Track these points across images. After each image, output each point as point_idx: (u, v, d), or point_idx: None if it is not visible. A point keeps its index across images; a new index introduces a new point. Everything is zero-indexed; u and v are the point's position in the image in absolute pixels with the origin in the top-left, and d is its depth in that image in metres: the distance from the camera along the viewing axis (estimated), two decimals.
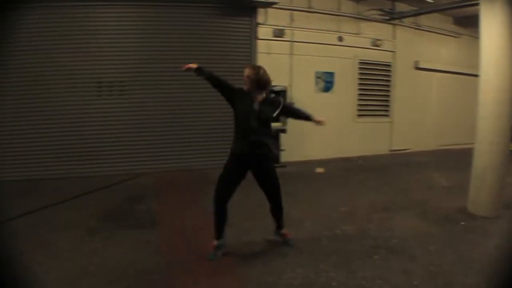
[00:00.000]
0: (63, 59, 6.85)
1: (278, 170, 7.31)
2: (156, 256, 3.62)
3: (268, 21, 7.68)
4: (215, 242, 3.57)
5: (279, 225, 3.88)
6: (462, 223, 4.62)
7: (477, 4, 5.02)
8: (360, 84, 8.74)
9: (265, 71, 3.54)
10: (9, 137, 6.83)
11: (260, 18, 7.62)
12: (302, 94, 7.90)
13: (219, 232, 3.57)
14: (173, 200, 5.55)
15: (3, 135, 6.85)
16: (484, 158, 4.83)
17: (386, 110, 9.21)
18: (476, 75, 4.97)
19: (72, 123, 6.91)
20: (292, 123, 7.60)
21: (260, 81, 3.48)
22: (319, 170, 7.39)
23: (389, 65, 9.10)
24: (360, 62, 8.68)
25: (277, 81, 7.58)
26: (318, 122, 3.76)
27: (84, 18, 6.88)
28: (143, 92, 7.09)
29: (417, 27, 9.38)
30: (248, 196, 5.46)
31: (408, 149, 9.50)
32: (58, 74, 6.86)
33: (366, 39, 8.71)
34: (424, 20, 9.36)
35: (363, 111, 8.86)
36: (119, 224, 4.52)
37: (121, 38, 6.97)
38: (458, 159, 8.70)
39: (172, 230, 4.34)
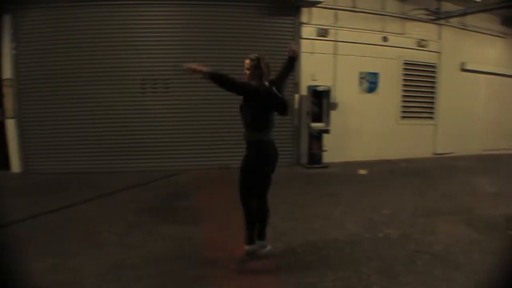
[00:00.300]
0: (109, 57, 7.08)
1: (319, 170, 7.36)
2: (195, 252, 3.61)
3: (312, 20, 7.67)
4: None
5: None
6: (510, 231, 4.41)
7: None
8: (404, 85, 8.56)
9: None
10: (56, 132, 7.14)
11: (304, 18, 7.62)
12: (345, 95, 7.85)
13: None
14: (214, 197, 5.57)
15: (51, 130, 7.15)
16: None
17: (431, 112, 8.97)
18: None
19: (116, 119, 7.14)
20: (335, 124, 7.59)
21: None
22: (362, 171, 7.27)
23: (434, 66, 8.86)
24: (405, 63, 8.50)
25: (321, 81, 7.60)
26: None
27: (130, 16, 7.10)
28: (186, 90, 7.20)
29: (464, 27, 9.10)
30: (290, 197, 5.56)
31: (452, 153, 9.21)
32: (103, 71, 7.10)
33: (411, 39, 8.53)
34: (470, 20, 9.07)
35: (407, 112, 8.66)
36: (160, 220, 4.57)
37: (166, 36, 7.13)
38: (503, 165, 8.43)
39: (213, 227, 4.34)
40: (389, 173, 7.39)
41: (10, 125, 7.26)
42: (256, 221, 3.42)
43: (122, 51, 7.08)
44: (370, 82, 8.20)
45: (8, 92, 7.20)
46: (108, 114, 7.14)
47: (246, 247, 3.43)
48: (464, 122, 9.31)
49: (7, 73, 7.20)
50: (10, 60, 7.18)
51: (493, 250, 3.84)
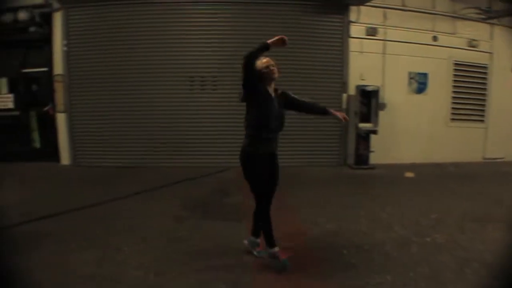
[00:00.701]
0: (158, 54, 7.18)
1: (366, 171, 7.21)
2: (242, 250, 3.55)
3: (360, 19, 7.53)
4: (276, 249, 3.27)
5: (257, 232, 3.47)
6: None
7: None
8: (454, 86, 8.27)
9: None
10: (104, 127, 7.31)
11: (352, 16, 7.50)
12: (394, 95, 7.67)
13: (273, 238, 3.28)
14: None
15: (99, 124, 7.30)
16: None
17: (481, 115, 8.63)
18: None
19: (164, 115, 7.22)
20: (383, 125, 7.40)
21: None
22: (409, 174, 7.05)
23: (486, 67, 8.52)
24: (455, 63, 8.22)
25: (370, 80, 7.44)
26: (339, 117, 3.38)
27: (179, 14, 7.18)
28: (234, 87, 7.15)
29: None
30: (336, 197, 5.44)
31: (503, 158, 8.83)
32: (152, 68, 7.21)
33: (461, 39, 8.24)
34: None
35: (457, 115, 8.36)
36: (207, 215, 4.58)
37: (213, 34, 7.17)
38: None
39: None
40: (437, 176, 7.14)
41: (61, 119, 7.45)
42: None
43: (171, 49, 7.17)
44: (419, 83, 7.97)
45: (59, 87, 7.39)
46: (156, 110, 7.22)
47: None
48: None
49: (59, 69, 7.39)
50: (61, 56, 7.37)
51: None
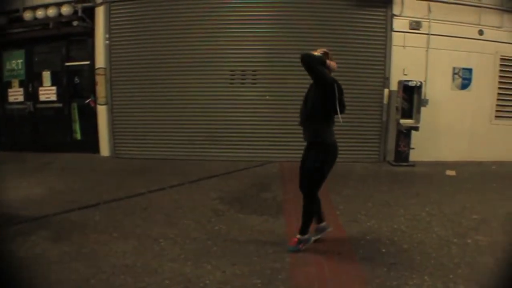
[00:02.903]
0: (198, 47, 7.21)
1: (406, 169, 7.06)
2: (281, 245, 3.56)
3: (404, 12, 7.32)
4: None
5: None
6: None
7: None
8: (501, 82, 7.94)
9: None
10: (144, 119, 7.43)
11: (396, 10, 7.30)
12: (437, 90, 7.46)
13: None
14: (299, 190, 5.51)
15: (139, 117, 7.41)
16: None
17: None
18: None
19: (203, 108, 7.26)
20: (425, 121, 7.22)
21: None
22: (450, 172, 6.86)
23: None
24: (502, 59, 7.88)
25: (412, 75, 7.27)
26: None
27: (220, 8, 7.14)
28: (274, 82, 7.19)
29: None
30: (376, 194, 5.36)
31: None
32: (192, 62, 7.25)
33: (509, 33, 7.89)
34: None
35: (502, 112, 8.04)
36: (245, 209, 4.59)
37: (254, 28, 7.11)
38: None
39: (298, 219, 4.22)
40: (479, 175, 6.91)
41: (101, 112, 7.59)
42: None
43: (212, 42, 7.17)
44: (464, 78, 7.71)
45: (100, 81, 7.52)
46: (196, 103, 7.27)
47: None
48: None
49: (100, 63, 7.52)
50: (103, 50, 7.49)
51: None
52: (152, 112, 7.36)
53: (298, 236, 3.46)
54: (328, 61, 3.34)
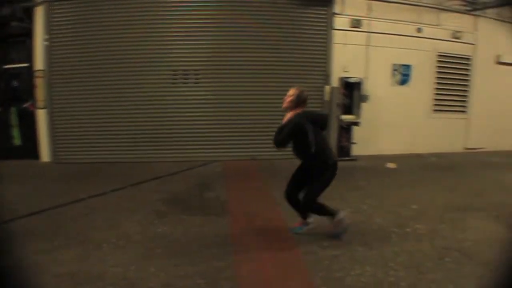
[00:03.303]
0: (139, 48, 7.06)
1: (348, 163, 7.29)
2: (224, 243, 3.61)
3: (345, 11, 7.50)
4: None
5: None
6: None
7: None
8: (438, 78, 8.33)
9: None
10: (85, 123, 7.19)
11: (337, 8, 7.45)
12: (377, 86, 7.71)
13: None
14: (242, 188, 5.57)
15: (80, 120, 7.20)
16: None
17: (463, 106, 8.73)
18: None
19: (146, 110, 7.13)
20: (365, 117, 7.44)
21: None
22: (391, 165, 7.15)
23: (469, 58, 8.59)
24: (439, 55, 8.26)
25: (353, 72, 7.47)
26: None
27: (161, 7, 7.03)
28: (217, 81, 7.17)
29: (501, 19, 8.74)
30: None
31: (485, 148, 8.97)
32: (133, 62, 7.09)
33: (445, 30, 8.26)
34: (508, 11, 8.72)
35: (439, 106, 8.44)
36: (188, 210, 4.57)
37: (196, 28, 7.05)
38: None
39: (241, 218, 4.33)
40: (418, 167, 7.24)
41: (41, 116, 7.34)
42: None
43: (154, 42, 7.05)
44: (403, 75, 8.00)
45: (39, 83, 7.26)
46: (138, 104, 7.15)
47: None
48: (499, 116, 9.00)
49: (39, 65, 7.25)
50: (42, 51, 7.22)
51: None
52: (93, 114, 7.17)
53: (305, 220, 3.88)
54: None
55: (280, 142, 3.57)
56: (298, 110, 3.58)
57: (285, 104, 3.62)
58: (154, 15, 7.03)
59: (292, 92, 3.61)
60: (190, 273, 3.05)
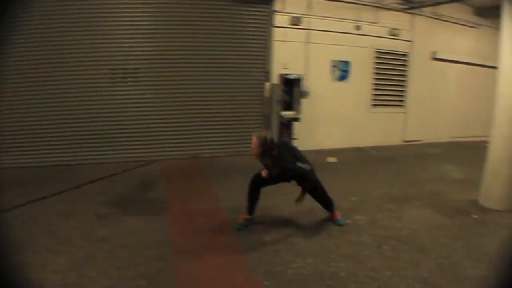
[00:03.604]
0: (76, 45, 6.83)
1: None
2: (165, 243, 3.64)
3: (285, 8, 7.62)
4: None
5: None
6: (474, 216, 4.63)
7: None
8: (376, 73, 8.68)
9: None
10: (23, 125, 6.87)
11: (277, 6, 7.56)
12: (317, 83, 7.93)
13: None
14: (183, 187, 5.61)
15: (18, 123, 6.88)
16: (500, 151, 4.78)
17: (401, 101, 9.15)
18: (495, 67, 4.91)
19: (86, 110, 6.92)
20: (306, 112, 7.70)
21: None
22: (331, 159, 7.42)
23: (406, 55, 8.99)
24: (377, 52, 8.60)
25: (293, 69, 7.67)
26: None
27: (98, 4, 6.88)
28: (157, 79, 7.09)
29: (436, 17, 9.19)
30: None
31: (422, 140, 9.47)
32: (71, 61, 6.83)
33: (384, 28, 8.60)
34: (443, 9, 9.17)
35: (378, 101, 8.81)
36: (129, 211, 4.55)
37: (136, 25, 6.95)
38: (471, 152, 8.64)
39: (182, 216, 4.38)
40: (358, 160, 7.56)
41: None
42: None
43: (91, 40, 6.84)
44: (342, 71, 8.29)
45: None
46: (77, 105, 6.92)
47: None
48: (434, 110, 9.55)
49: None
50: None
51: (458, 234, 4.05)
52: (33, 116, 6.85)
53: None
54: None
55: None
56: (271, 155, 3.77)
57: (254, 154, 3.78)
58: (91, 13, 6.86)
59: (254, 141, 3.71)
60: (132, 275, 3.06)
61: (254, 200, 4.07)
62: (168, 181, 5.93)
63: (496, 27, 5.03)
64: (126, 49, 6.95)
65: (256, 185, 4.04)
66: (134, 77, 7.04)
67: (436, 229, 4.18)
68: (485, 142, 5.13)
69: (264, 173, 3.82)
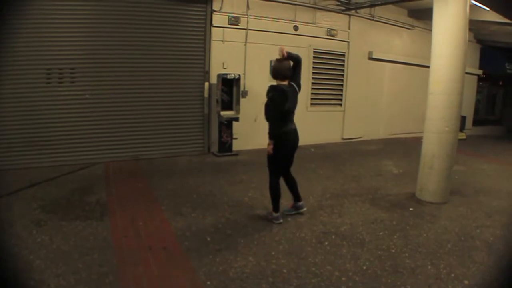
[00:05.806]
0: (9, 44, 6.54)
1: (230, 158, 7.47)
2: (106, 248, 3.60)
3: (223, 8, 7.63)
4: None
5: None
6: (411, 209, 4.90)
7: None
8: (314, 73, 8.92)
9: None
10: None
11: (215, 5, 7.55)
12: (255, 82, 8.00)
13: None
14: (124, 189, 5.53)
15: None
16: (433, 146, 5.08)
17: (339, 99, 9.49)
18: (427, 66, 5.20)
19: (19, 112, 6.54)
20: (245, 112, 7.77)
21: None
22: None
23: (343, 55, 9.31)
24: (315, 51, 8.84)
25: (232, 69, 7.70)
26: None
27: (32, 2, 6.58)
28: (94, 80, 6.86)
29: (372, 18, 9.60)
30: (200, 185, 5.60)
31: (360, 137, 9.88)
32: (4, 61, 6.53)
33: (321, 28, 8.85)
34: (379, 11, 9.59)
35: (316, 99, 9.07)
36: (68, 216, 4.43)
37: (71, 24, 6.66)
38: (407, 148, 9.21)
39: (123, 220, 4.32)
40: (298, 158, 7.60)
41: None
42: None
43: (25, 40, 6.47)
44: None
45: None
46: (11, 106, 6.50)
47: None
48: (371, 108, 9.99)
49: None
50: None
51: (396, 227, 4.26)
52: None
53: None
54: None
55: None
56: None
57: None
58: (26, 10, 6.52)
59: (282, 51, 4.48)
60: (72, 282, 2.98)
61: (279, 196, 4.29)
62: (108, 183, 5.81)
63: (430, 29, 5.29)
64: (62, 49, 6.63)
65: (275, 175, 4.32)
66: (70, 78, 6.76)
67: (374, 223, 4.38)
68: (421, 138, 5.43)
69: (269, 148, 4.27)
